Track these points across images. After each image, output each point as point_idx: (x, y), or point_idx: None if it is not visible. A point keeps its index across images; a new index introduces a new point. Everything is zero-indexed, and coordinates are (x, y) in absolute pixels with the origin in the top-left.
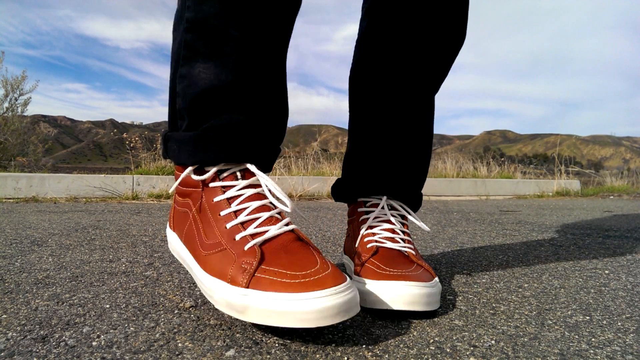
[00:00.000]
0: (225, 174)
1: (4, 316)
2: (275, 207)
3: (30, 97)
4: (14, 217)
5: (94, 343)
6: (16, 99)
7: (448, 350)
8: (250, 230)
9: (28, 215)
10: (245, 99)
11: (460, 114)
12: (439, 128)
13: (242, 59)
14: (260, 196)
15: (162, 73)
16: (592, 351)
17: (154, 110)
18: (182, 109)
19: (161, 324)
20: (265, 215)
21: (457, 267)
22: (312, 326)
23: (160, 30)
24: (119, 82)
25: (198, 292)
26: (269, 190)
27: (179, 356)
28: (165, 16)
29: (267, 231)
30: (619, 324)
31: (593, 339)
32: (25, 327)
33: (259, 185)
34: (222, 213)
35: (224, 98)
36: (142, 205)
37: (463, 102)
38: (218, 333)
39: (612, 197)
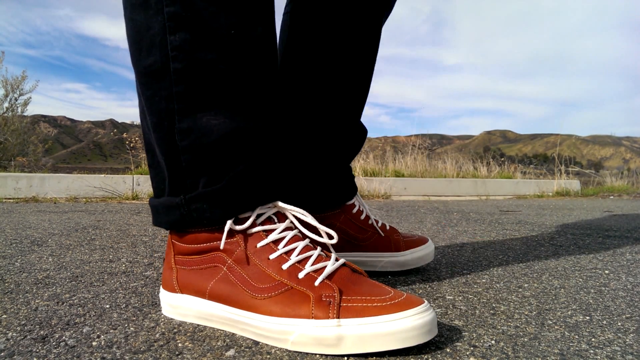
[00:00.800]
0: (261, 219)
1: (4, 316)
2: (315, 247)
3: (30, 97)
4: (14, 217)
5: (94, 343)
6: (16, 99)
7: (448, 350)
8: (310, 267)
9: (28, 215)
10: (264, 137)
11: (460, 114)
12: (439, 128)
13: (250, 99)
14: (299, 237)
15: None
16: (592, 351)
17: None
18: (197, 165)
19: (161, 324)
20: (315, 253)
21: (457, 267)
22: (412, 344)
23: None
24: (119, 82)
25: None
26: (308, 225)
27: (179, 356)
28: None
29: (325, 267)
30: (619, 324)
31: (593, 339)
32: (25, 327)
33: (295, 227)
34: (272, 256)
35: (245, 141)
36: (142, 205)
37: (463, 102)
38: (218, 333)
39: (612, 197)
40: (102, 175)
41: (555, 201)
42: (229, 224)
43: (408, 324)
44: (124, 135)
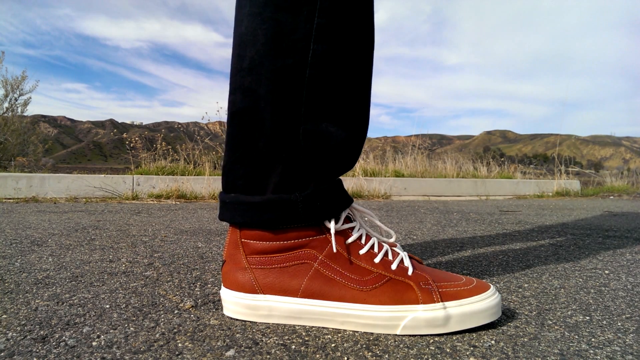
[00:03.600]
0: (343, 217)
1: (4, 316)
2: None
3: (30, 97)
4: (14, 217)
5: (94, 343)
6: (16, 99)
7: (448, 350)
8: (396, 260)
9: (28, 215)
10: (360, 144)
11: (460, 114)
12: (439, 128)
13: (357, 111)
14: (369, 234)
15: (162, 73)
16: (592, 351)
17: (154, 110)
18: (314, 165)
19: (161, 324)
20: (387, 247)
21: (457, 267)
22: (494, 319)
23: (161, 30)
24: (119, 82)
25: (198, 292)
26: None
27: (179, 356)
28: (165, 15)
29: (402, 259)
30: (619, 324)
31: (593, 339)
32: (25, 327)
33: (362, 226)
34: (361, 252)
35: (350, 147)
36: (142, 205)
37: (463, 102)
38: (218, 333)
39: (612, 197)
40: (102, 175)
41: (555, 201)
42: (333, 222)
43: (492, 303)
44: (124, 135)
